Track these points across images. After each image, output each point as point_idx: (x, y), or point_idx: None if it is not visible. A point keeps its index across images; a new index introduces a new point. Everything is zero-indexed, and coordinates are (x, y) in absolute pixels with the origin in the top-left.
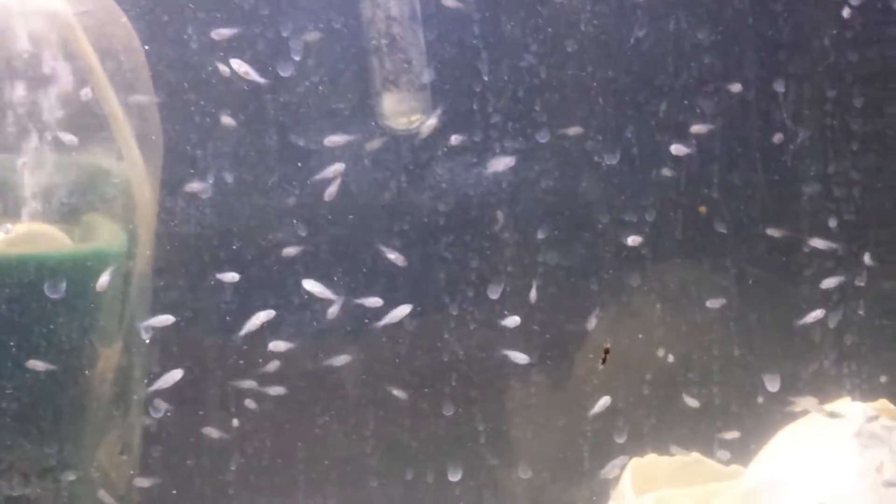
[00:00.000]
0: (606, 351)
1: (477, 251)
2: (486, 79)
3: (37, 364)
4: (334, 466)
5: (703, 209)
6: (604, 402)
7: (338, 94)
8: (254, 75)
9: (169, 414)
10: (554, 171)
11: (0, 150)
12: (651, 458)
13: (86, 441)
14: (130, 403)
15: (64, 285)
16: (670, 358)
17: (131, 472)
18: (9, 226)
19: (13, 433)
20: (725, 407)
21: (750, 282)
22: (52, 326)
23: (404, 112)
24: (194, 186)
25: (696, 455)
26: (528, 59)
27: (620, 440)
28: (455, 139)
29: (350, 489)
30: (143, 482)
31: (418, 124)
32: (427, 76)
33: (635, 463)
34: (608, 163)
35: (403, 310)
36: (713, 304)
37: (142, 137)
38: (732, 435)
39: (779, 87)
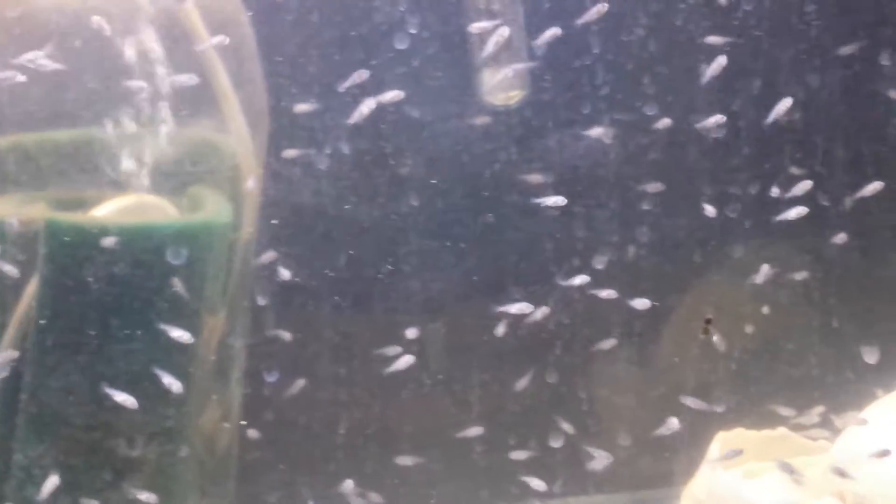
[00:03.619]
0: (708, 321)
1: (584, 222)
2: (595, 51)
3: (171, 330)
4: (437, 433)
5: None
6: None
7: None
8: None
9: (277, 382)
10: (659, 144)
11: (111, 124)
12: (738, 432)
13: (190, 408)
14: (232, 372)
15: (183, 252)
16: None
17: (232, 439)
18: None
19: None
20: (813, 381)
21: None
22: (160, 295)
23: (503, 88)
24: (309, 156)
25: (782, 430)
26: (635, 31)
27: (719, 410)
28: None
29: (453, 456)
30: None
31: (517, 100)
32: (526, 52)
33: (722, 436)
34: (714, 136)
35: (524, 307)
36: (803, 275)
37: (248, 110)
38: (819, 409)
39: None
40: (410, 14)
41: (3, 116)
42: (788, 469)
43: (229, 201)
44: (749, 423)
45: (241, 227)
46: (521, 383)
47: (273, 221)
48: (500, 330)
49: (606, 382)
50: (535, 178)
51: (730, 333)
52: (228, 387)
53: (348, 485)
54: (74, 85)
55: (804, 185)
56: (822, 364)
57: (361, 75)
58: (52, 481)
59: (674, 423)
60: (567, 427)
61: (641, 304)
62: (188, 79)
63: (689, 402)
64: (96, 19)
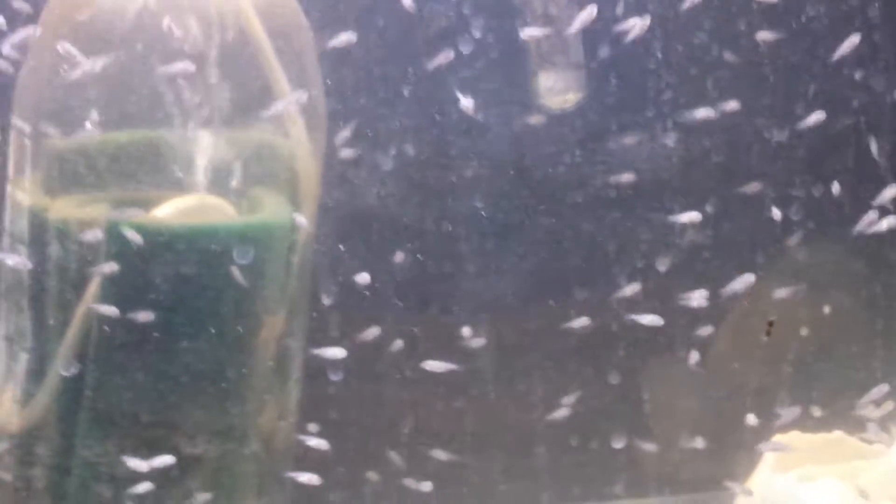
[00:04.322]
0: (770, 324)
1: (646, 224)
2: (658, 55)
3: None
4: (501, 433)
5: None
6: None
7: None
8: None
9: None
10: (723, 146)
11: (172, 126)
12: (793, 435)
13: (249, 406)
14: (290, 371)
15: (248, 251)
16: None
17: (290, 437)
18: None
19: (184, 396)
20: (871, 384)
21: None
22: (220, 294)
23: (559, 91)
24: (377, 158)
25: (838, 433)
26: (698, 35)
27: (782, 412)
28: None
29: (516, 455)
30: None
31: (573, 103)
32: (582, 54)
33: (778, 440)
34: (776, 139)
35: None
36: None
37: (307, 113)
38: (876, 413)
39: None
40: (468, 18)
41: (66, 118)
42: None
43: (288, 203)
44: (806, 426)
45: (300, 229)
46: (583, 385)
47: (334, 223)
48: (580, 321)
49: (667, 384)
50: (627, 177)
51: (790, 336)
52: (287, 386)
53: (409, 484)
54: (136, 86)
55: (891, 191)
56: (885, 366)
57: (448, 55)
58: (145, 486)
59: (742, 423)
60: (628, 429)
61: (699, 298)
62: (250, 75)
63: (750, 418)
64: (165, 22)
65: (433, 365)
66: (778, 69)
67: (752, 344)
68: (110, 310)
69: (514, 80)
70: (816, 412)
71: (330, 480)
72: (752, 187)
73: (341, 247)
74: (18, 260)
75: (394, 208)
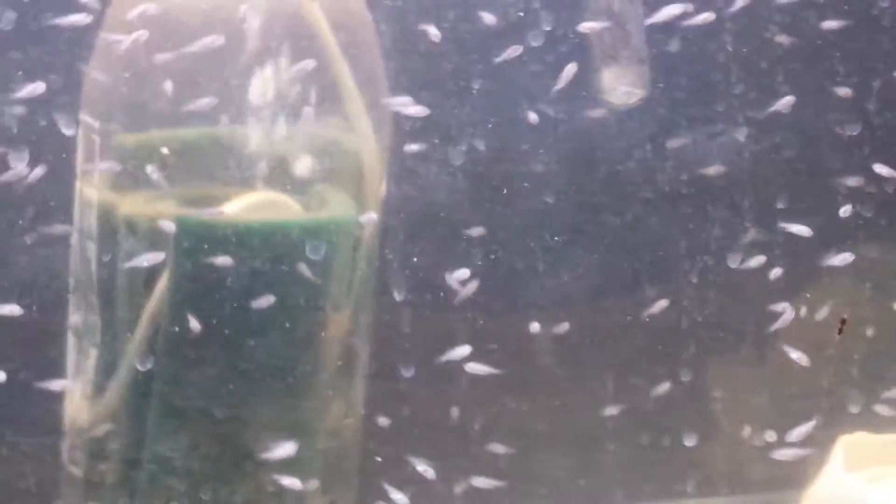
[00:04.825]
0: (843, 321)
1: (718, 220)
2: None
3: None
4: (572, 428)
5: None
6: None
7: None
8: None
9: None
10: (794, 141)
11: (237, 122)
12: (861, 436)
13: (316, 403)
14: (356, 368)
15: (319, 247)
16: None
17: (356, 434)
18: None
19: (251, 392)
20: None
21: None
22: (287, 290)
23: (623, 86)
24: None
25: None
26: (769, 28)
27: (855, 410)
28: None
29: (588, 451)
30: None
31: (637, 99)
32: (646, 49)
33: (846, 440)
34: (849, 134)
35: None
36: None
37: (371, 108)
38: None
39: None
40: (533, 13)
41: (134, 114)
42: None
43: (352, 199)
44: (874, 426)
45: (366, 225)
46: (656, 382)
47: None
48: (656, 307)
49: (738, 382)
50: (716, 169)
51: (858, 335)
52: (353, 383)
53: (480, 481)
54: (202, 82)
55: None
56: None
57: (516, 50)
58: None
59: (807, 426)
60: (699, 427)
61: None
62: (314, 70)
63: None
64: (238, 15)
65: (475, 367)
66: (848, 60)
67: (823, 342)
68: (191, 323)
69: (580, 75)
70: (885, 411)
71: (398, 478)
72: (825, 183)
73: (409, 244)
74: (151, 257)
75: (461, 204)
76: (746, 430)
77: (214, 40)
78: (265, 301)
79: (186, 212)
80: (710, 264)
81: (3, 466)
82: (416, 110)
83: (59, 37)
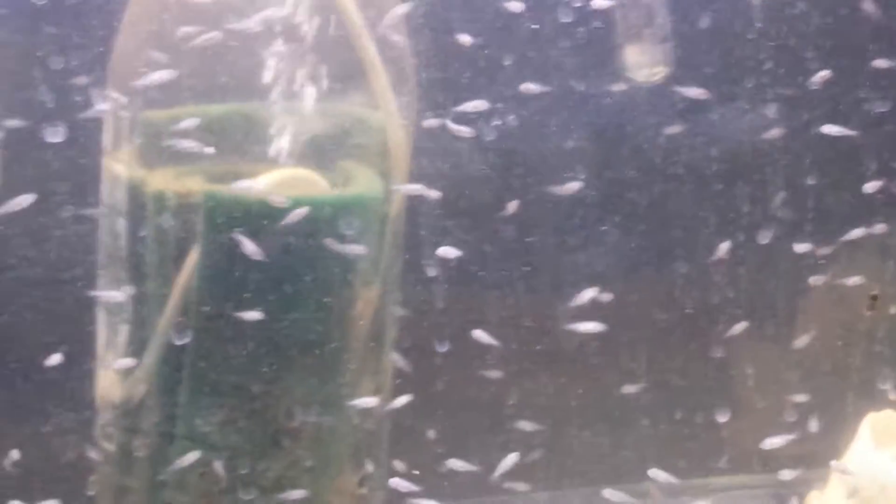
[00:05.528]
0: (874, 297)
1: (747, 197)
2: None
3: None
4: (607, 405)
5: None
6: None
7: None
8: None
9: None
10: (823, 118)
11: (262, 98)
12: (887, 414)
13: (346, 378)
14: (384, 346)
15: (350, 223)
16: None
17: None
18: None
19: (282, 368)
20: None
21: None
22: (315, 266)
23: (647, 64)
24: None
25: None
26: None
27: (884, 387)
28: None
29: (622, 427)
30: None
31: (661, 76)
32: (669, 27)
33: (872, 417)
34: (879, 110)
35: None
36: None
37: (397, 85)
38: None
39: None
40: None
41: (162, 90)
42: None
43: (378, 176)
44: None
45: (392, 202)
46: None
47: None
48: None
49: (768, 361)
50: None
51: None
52: (382, 359)
53: (511, 459)
54: (228, 59)
55: None
56: None
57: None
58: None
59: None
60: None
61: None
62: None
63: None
64: None
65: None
66: (878, 38)
67: (854, 319)
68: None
69: (604, 52)
70: None
71: (431, 456)
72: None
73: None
74: (253, 250)
75: (490, 181)
76: (781, 404)
77: (244, 22)
78: (295, 276)
79: (216, 187)
80: (741, 240)
81: (37, 443)
82: (466, 130)
83: (90, 11)
